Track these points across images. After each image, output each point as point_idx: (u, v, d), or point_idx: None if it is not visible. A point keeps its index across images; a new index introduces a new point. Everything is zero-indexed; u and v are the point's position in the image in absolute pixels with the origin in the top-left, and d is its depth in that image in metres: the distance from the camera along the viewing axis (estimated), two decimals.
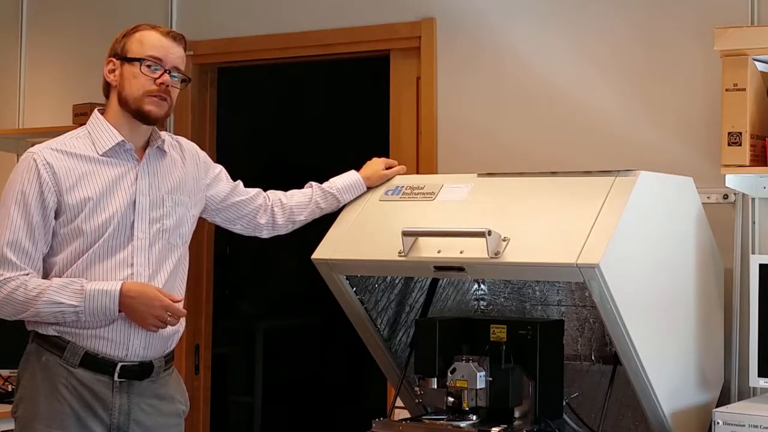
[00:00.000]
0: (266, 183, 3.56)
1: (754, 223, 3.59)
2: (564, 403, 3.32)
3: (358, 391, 6.40)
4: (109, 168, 3.01)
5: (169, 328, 3.02)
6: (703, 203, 3.38)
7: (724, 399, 3.46)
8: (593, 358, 3.47)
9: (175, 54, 3.05)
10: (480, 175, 3.30)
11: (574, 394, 3.37)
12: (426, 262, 3.11)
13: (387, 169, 3.47)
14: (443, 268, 3.11)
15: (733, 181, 3.38)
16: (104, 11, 5.07)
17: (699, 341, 3.30)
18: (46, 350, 2.99)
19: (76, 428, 2.96)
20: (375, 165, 3.49)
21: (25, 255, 2.92)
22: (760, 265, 3.32)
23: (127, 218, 2.99)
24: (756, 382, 3.35)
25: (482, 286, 3.68)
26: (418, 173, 4.16)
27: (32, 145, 5.04)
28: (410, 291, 3.53)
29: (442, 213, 3.22)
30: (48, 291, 2.89)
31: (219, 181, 3.31)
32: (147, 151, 3.07)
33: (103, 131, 3.03)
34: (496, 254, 2.98)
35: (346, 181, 3.44)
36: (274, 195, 3.43)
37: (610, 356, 3.28)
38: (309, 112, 6.62)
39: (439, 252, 3.09)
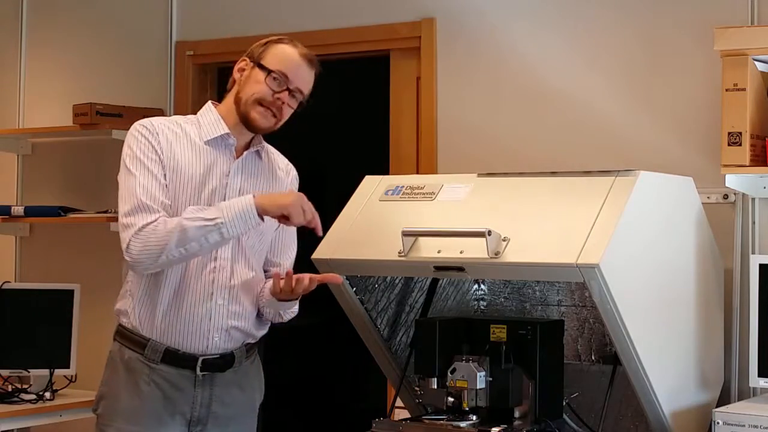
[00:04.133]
0: None
1: (754, 223, 3.59)
2: (564, 403, 3.32)
3: (358, 391, 6.40)
4: (206, 155, 3.01)
5: (246, 322, 3.02)
6: (703, 203, 3.38)
7: (724, 399, 3.46)
8: (593, 358, 3.47)
9: (303, 77, 3.05)
10: (480, 175, 3.30)
11: (574, 394, 3.37)
12: (426, 262, 3.11)
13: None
14: (443, 268, 3.11)
15: (733, 181, 3.38)
16: (104, 11, 5.07)
17: (699, 341, 3.30)
18: (127, 348, 2.99)
19: (156, 425, 2.95)
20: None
21: (156, 201, 2.90)
22: (760, 265, 3.33)
23: None
24: (756, 382, 3.35)
25: (482, 286, 3.68)
26: (418, 173, 4.16)
27: (32, 146, 5.16)
28: (410, 291, 3.53)
29: (442, 213, 3.22)
30: (185, 214, 2.87)
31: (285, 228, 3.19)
32: (245, 152, 3.07)
33: (211, 120, 3.04)
34: (496, 254, 2.98)
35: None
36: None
37: (610, 356, 3.27)
38: (309, 112, 6.61)
39: (439, 252, 3.09)
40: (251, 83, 3.01)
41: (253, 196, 2.88)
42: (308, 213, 2.89)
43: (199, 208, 2.90)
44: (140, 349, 2.97)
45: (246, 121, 3.02)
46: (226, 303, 2.99)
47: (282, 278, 2.97)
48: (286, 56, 3.03)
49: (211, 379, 3.00)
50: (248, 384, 3.11)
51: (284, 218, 2.89)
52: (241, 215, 2.85)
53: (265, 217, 2.93)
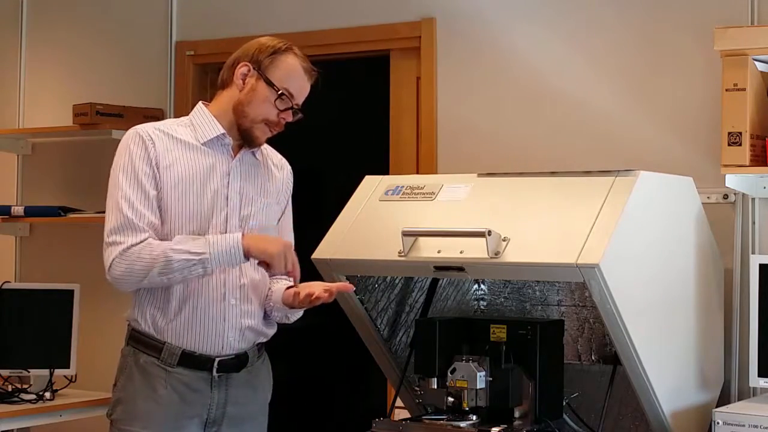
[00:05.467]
0: None
1: (754, 223, 3.59)
2: (564, 403, 3.32)
3: (358, 391, 6.39)
4: (204, 157, 3.01)
5: (258, 320, 3.04)
6: (703, 203, 3.38)
7: (724, 399, 3.46)
8: (593, 358, 3.47)
9: (305, 93, 3.06)
10: (480, 175, 3.30)
11: (574, 394, 3.37)
12: (426, 262, 3.11)
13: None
14: (443, 268, 3.11)
15: (733, 181, 3.38)
16: (104, 11, 5.07)
17: (699, 341, 3.30)
18: (142, 352, 2.98)
19: (173, 428, 2.96)
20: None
21: (144, 219, 2.91)
22: (760, 265, 3.33)
23: (217, 211, 2.98)
24: (756, 382, 3.35)
25: (482, 286, 3.68)
26: (418, 173, 4.16)
27: (32, 146, 5.16)
28: (410, 291, 3.53)
29: (442, 213, 3.22)
30: (173, 244, 2.88)
31: (285, 219, 3.23)
32: (241, 151, 3.07)
33: (206, 122, 3.04)
34: (496, 254, 2.98)
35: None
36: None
37: (610, 356, 3.28)
38: (308, 112, 6.61)
39: (439, 252, 3.09)
40: (259, 102, 3.00)
41: (242, 235, 2.89)
42: (289, 264, 2.90)
43: (188, 238, 2.90)
44: (156, 353, 2.97)
45: (248, 137, 3.02)
46: (239, 302, 3.00)
47: (297, 293, 2.98)
48: (293, 74, 3.02)
49: (226, 380, 3.01)
50: (260, 383, 3.13)
51: (265, 264, 2.91)
52: (226, 254, 2.87)
53: (266, 212, 3.02)
